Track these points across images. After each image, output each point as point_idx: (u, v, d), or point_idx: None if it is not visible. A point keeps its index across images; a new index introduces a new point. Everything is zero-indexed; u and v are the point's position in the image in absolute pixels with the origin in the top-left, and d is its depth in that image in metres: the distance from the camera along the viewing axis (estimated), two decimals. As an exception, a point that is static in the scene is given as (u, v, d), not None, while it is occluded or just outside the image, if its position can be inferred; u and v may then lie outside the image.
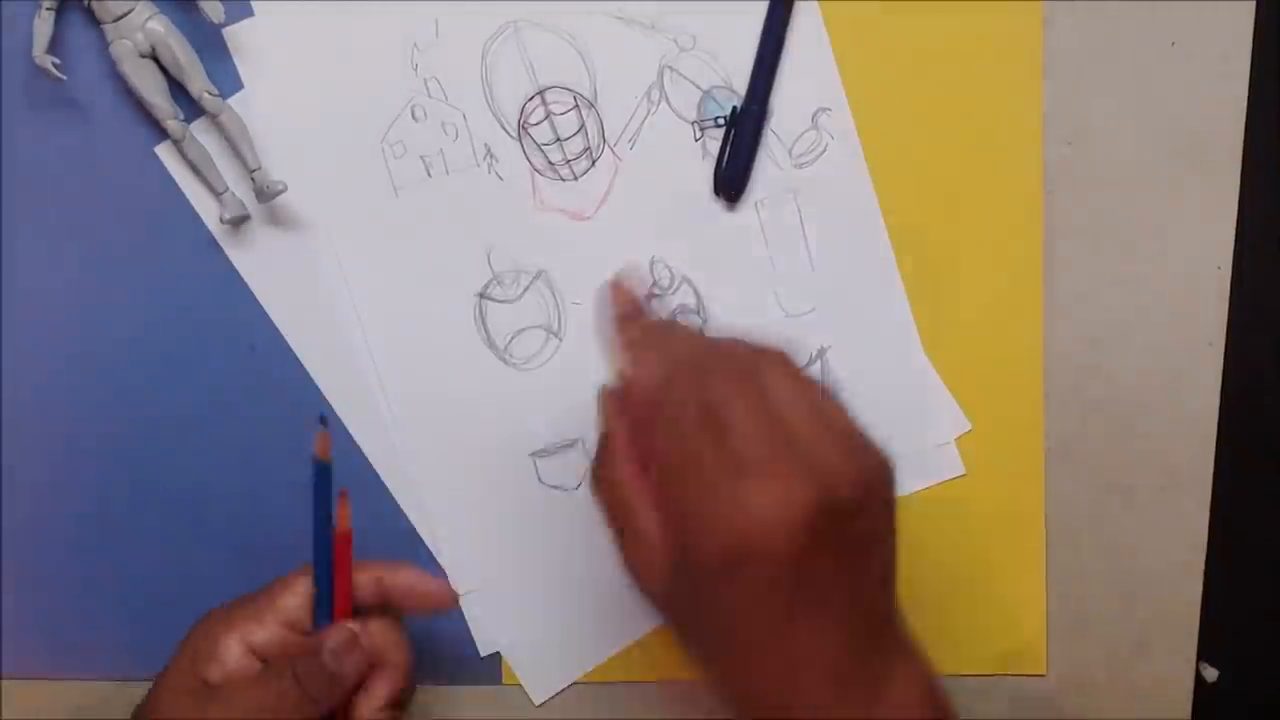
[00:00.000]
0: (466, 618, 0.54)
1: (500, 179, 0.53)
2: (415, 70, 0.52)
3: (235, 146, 0.52)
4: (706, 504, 0.39)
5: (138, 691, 0.51)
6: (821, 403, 0.42)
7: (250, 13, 0.52)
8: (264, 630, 0.48)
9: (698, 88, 0.53)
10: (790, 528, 0.39)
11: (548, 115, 0.53)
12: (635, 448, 0.42)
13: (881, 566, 0.43)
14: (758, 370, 0.42)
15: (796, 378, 0.43)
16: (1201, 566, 0.53)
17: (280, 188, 0.51)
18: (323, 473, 0.47)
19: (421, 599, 0.50)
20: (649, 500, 0.41)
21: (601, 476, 0.43)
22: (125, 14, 0.50)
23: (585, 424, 0.54)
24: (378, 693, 0.48)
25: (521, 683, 0.55)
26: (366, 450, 0.54)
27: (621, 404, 0.43)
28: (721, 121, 0.53)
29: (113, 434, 0.54)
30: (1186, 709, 0.54)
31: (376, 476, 0.54)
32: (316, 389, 0.54)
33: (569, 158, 0.53)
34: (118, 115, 0.52)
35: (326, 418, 0.48)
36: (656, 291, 0.53)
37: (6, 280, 0.54)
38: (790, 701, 0.40)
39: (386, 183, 0.53)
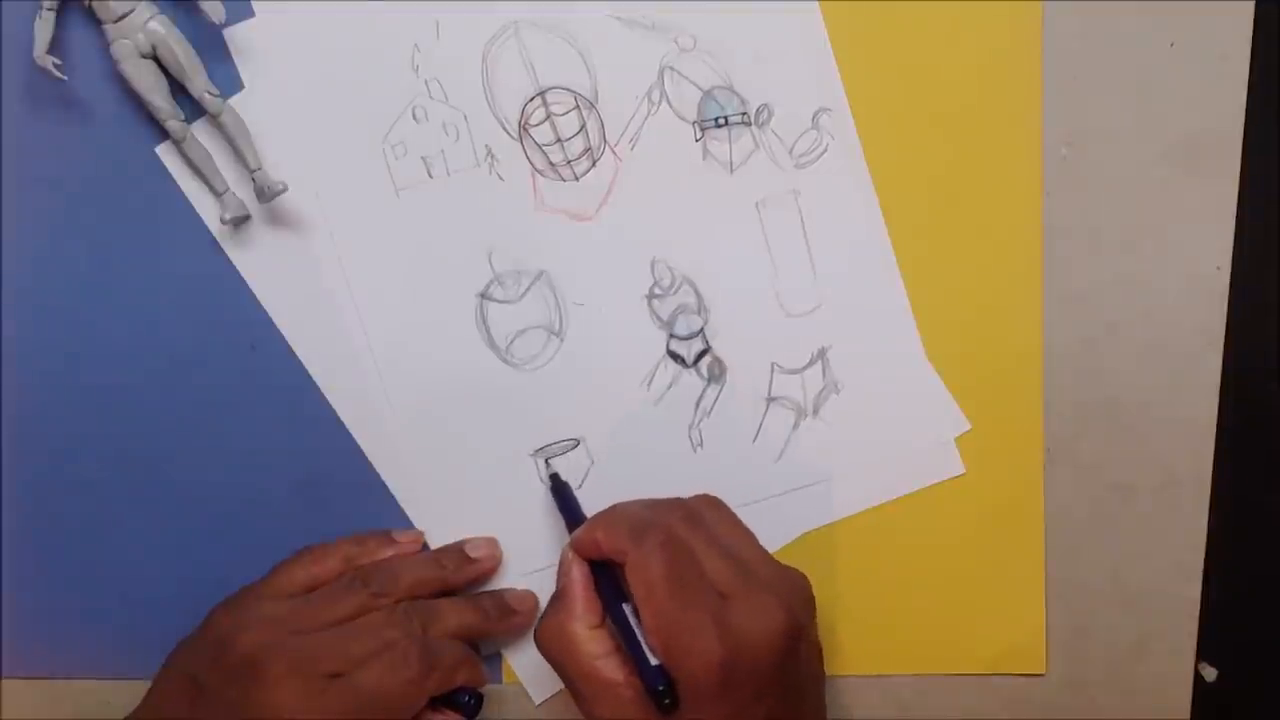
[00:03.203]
0: (467, 618, 0.54)
1: (501, 179, 0.53)
2: (416, 71, 0.52)
3: (236, 147, 0.52)
4: (698, 627, 0.44)
5: (138, 690, 0.51)
6: (750, 535, 0.49)
7: (250, 13, 0.52)
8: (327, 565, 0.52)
9: (698, 88, 0.53)
10: (772, 640, 0.44)
11: (548, 116, 0.53)
12: (590, 604, 0.47)
13: (818, 683, 0.49)
14: (697, 514, 0.48)
15: (729, 517, 0.49)
16: (1201, 566, 0.53)
17: (280, 188, 0.51)
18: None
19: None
20: (604, 648, 0.46)
21: (553, 629, 0.47)
22: (126, 14, 0.50)
23: (586, 424, 0.54)
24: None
25: (521, 682, 0.55)
26: (367, 450, 0.54)
27: (584, 563, 0.48)
28: (722, 122, 0.53)
29: (113, 433, 0.54)
30: (1186, 709, 0.54)
31: (376, 476, 0.54)
32: (316, 389, 0.54)
33: (570, 158, 0.53)
34: (118, 115, 0.52)
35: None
36: (658, 292, 0.53)
37: (6, 280, 0.54)
38: None
39: (387, 183, 0.53)
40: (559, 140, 0.53)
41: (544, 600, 0.54)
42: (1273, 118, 0.52)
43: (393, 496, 0.54)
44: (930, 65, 0.52)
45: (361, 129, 0.53)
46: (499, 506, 0.54)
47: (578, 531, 0.48)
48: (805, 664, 0.47)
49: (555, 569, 0.53)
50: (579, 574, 0.48)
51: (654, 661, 0.45)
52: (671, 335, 0.54)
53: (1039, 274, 0.53)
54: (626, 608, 0.46)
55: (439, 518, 0.54)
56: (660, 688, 0.44)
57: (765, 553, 0.48)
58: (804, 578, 0.48)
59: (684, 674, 0.44)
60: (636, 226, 0.53)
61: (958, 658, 0.54)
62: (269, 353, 0.54)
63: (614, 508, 0.49)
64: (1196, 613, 0.54)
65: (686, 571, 0.45)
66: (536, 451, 0.54)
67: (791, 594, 0.47)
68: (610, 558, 0.47)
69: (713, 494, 0.50)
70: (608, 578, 0.47)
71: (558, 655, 0.47)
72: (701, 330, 0.54)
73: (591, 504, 0.52)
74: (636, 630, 0.46)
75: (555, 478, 0.53)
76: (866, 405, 0.54)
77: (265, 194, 0.52)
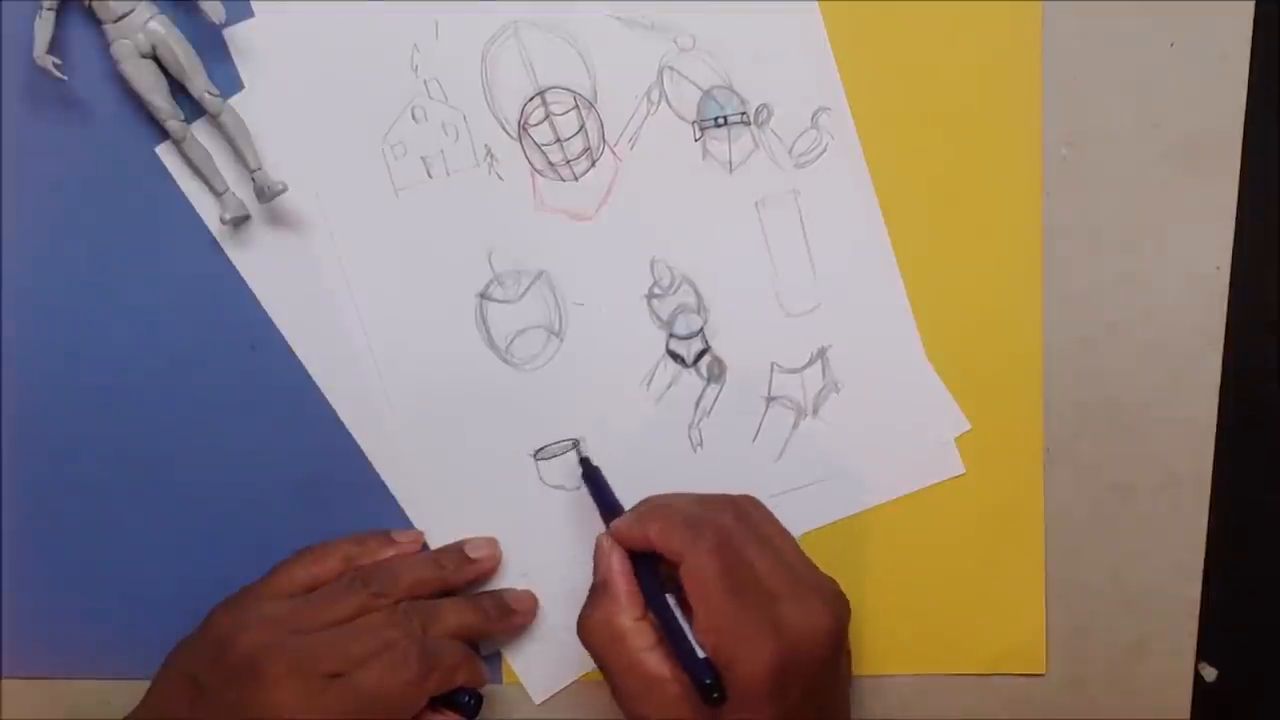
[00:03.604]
0: (467, 618, 0.54)
1: (501, 179, 0.53)
2: (415, 71, 0.52)
3: (236, 147, 0.52)
4: (753, 628, 0.44)
5: (138, 690, 0.51)
6: (790, 535, 0.49)
7: (250, 13, 0.52)
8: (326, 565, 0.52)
9: (698, 88, 0.53)
10: (822, 639, 0.44)
11: (548, 116, 0.53)
12: (633, 595, 0.47)
13: (847, 684, 0.50)
14: (746, 512, 0.48)
15: (772, 516, 0.49)
16: (1201, 566, 0.53)
17: (280, 188, 0.51)
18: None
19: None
20: (649, 640, 0.46)
21: (598, 621, 0.47)
22: (126, 14, 0.50)
23: (586, 424, 0.54)
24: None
25: (521, 682, 0.55)
26: (367, 450, 0.54)
27: (624, 552, 0.47)
28: (721, 122, 0.53)
29: (113, 434, 0.54)
30: (1186, 709, 0.54)
31: (376, 476, 0.54)
32: (316, 389, 0.54)
33: (569, 158, 0.53)
34: (118, 115, 0.52)
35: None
36: (657, 292, 0.53)
37: (6, 280, 0.54)
38: None
39: (387, 183, 0.53)
40: (558, 140, 0.53)
41: (544, 600, 0.54)
42: (1273, 118, 0.52)
43: (393, 496, 0.54)
44: (930, 65, 0.52)
45: (361, 129, 0.53)
46: (499, 506, 0.54)
47: (620, 522, 0.48)
48: (844, 667, 0.47)
49: (554, 568, 0.53)
50: (620, 564, 0.47)
51: (701, 654, 0.44)
52: (671, 335, 0.54)
53: (1039, 274, 0.53)
54: (670, 599, 0.46)
55: (439, 518, 0.54)
56: (708, 680, 0.44)
57: (805, 555, 0.48)
58: (837, 583, 0.48)
59: (736, 675, 0.44)
60: (636, 226, 0.53)
61: (958, 658, 0.54)
62: (269, 353, 0.54)
63: (663, 503, 0.48)
64: (1196, 613, 0.54)
65: (741, 572, 0.45)
66: (536, 452, 0.54)
67: (833, 595, 0.47)
68: (662, 554, 0.46)
69: (752, 494, 0.50)
70: (646, 567, 0.47)
71: (604, 649, 0.46)
72: (701, 330, 0.54)
73: (592, 506, 0.52)
74: (682, 622, 0.45)
75: (586, 463, 0.52)
76: (866, 405, 0.54)
77: (265, 194, 0.52)
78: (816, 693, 0.44)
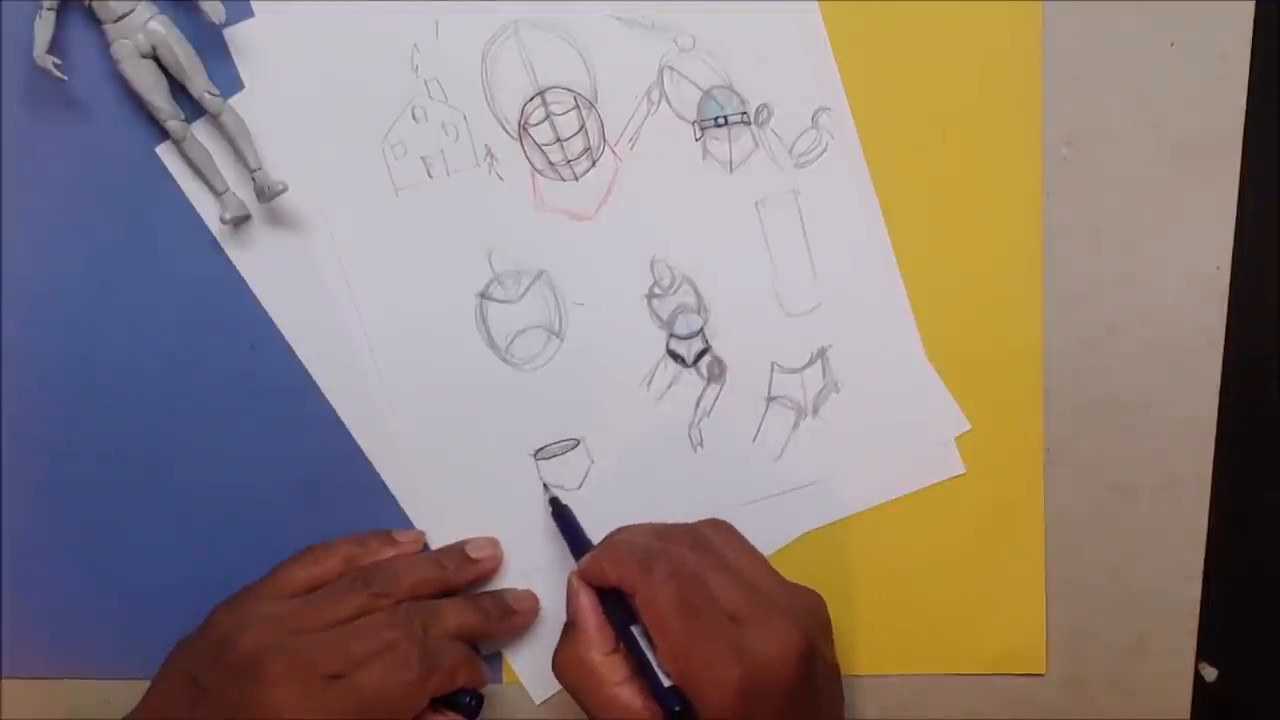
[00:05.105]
0: (467, 617, 0.54)
1: (501, 179, 0.53)
2: (415, 71, 0.52)
3: (236, 146, 0.52)
4: (714, 654, 0.43)
5: (138, 690, 0.51)
6: (760, 556, 0.49)
7: (250, 13, 0.52)
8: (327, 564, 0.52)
9: (698, 88, 0.53)
10: (787, 661, 0.44)
11: (548, 115, 0.53)
12: (602, 630, 0.47)
13: (836, 698, 0.48)
14: (706, 540, 0.48)
15: (737, 539, 0.49)
16: (1201, 566, 0.53)
17: (280, 188, 0.51)
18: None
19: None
20: (621, 674, 0.46)
21: (569, 659, 0.47)
22: (126, 14, 0.50)
23: (586, 424, 0.54)
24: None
25: (521, 681, 0.55)
26: (367, 450, 0.54)
27: (592, 590, 0.47)
28: (722, 122, 0.53)
29: (113, 434, 0.54)
30: (1186, 709, 0.54)
31: (376, 476, 0.54)
32: (316, 389, 0.54)
33: (569, 158, 0.53)
34: (118, 115, 0.52)
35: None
36: (658, 292, 0.53)
37: (6, 280, 0.54)
38: None
39: (387, 183, 0.53)
40: (558, 140, 0.53)
41: (545, 600, 0.54)
42: (1273, 118, 0.52)
43: (393, 496, 0.54)
44: (930, 65, 0.52)
45: (361, 129, 0.53)
46: (499, 506, 0.54)
47: (583, 562, 0.48)
48: (823, 684, 0.46)
49: (555, 568, 0.53)
50: (588, 601, 0.47)
51: (667, 684, 0.45)
52: (671, 335, 0.54)
53: (1039, 274, 0.53)
54: (636, 630, 0.46)
55: (439, 518, 0.54)
56: (676, 709, 0.44)
57: (776, 574, 0.48)
58: (818, 598, 0.48)
59: (703, 702, 0.44)
60: (636, 226, 0.53)
61: (958, 658, 0.54)
62: (269, 353, 0.54)
63: (620, 536, 0.48)
64: (1196, 613, 0.54)
65: (698, 599, 0.45)
66: (536, 452, 0.54)
67: (805, 614, 0.47)
68: (619, 587, 0.46)
69: (720, 518, 0.50)
70: (616, 602, 0.47)
71: (577, 685, 0.47)
72: (701, 330, 0.54)
73: (592, 506, 0.52)
74: (648, 653, 0.46)
75: (555, 502, 0.53)
76: (866, 405, 0.54)
77: (265, 194, 0.52)
78: (789, 712, 0.44)
